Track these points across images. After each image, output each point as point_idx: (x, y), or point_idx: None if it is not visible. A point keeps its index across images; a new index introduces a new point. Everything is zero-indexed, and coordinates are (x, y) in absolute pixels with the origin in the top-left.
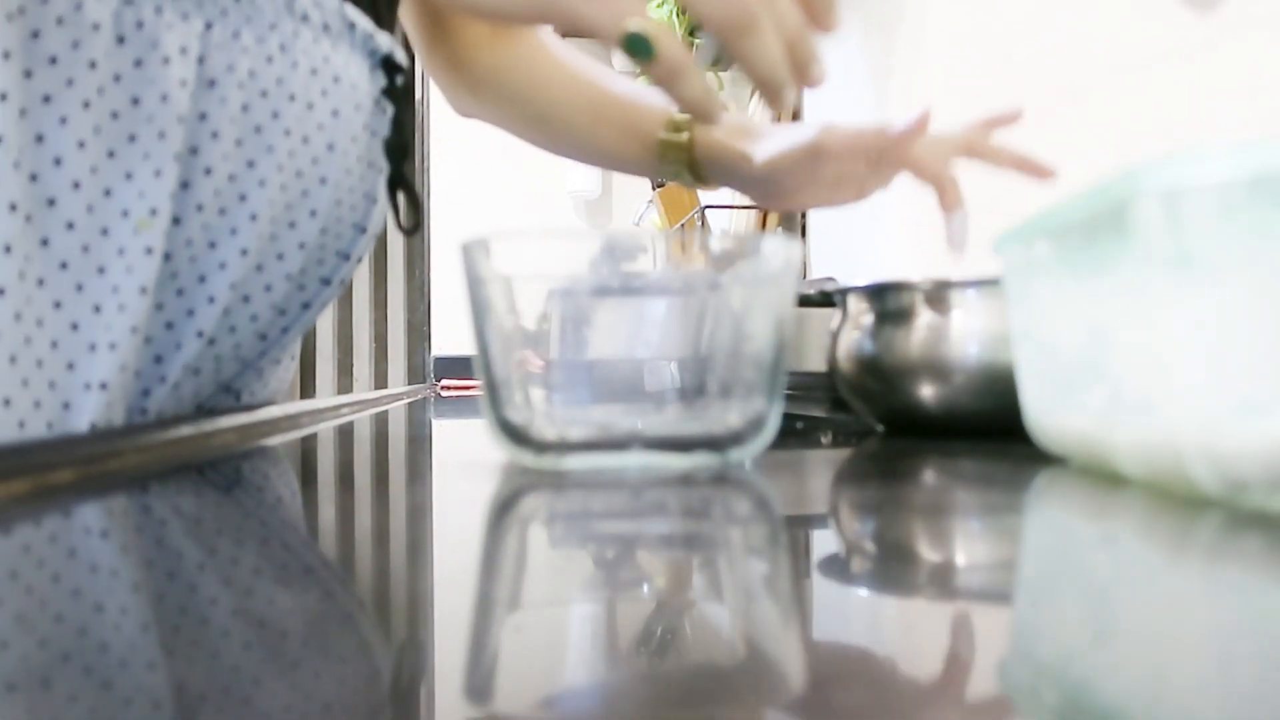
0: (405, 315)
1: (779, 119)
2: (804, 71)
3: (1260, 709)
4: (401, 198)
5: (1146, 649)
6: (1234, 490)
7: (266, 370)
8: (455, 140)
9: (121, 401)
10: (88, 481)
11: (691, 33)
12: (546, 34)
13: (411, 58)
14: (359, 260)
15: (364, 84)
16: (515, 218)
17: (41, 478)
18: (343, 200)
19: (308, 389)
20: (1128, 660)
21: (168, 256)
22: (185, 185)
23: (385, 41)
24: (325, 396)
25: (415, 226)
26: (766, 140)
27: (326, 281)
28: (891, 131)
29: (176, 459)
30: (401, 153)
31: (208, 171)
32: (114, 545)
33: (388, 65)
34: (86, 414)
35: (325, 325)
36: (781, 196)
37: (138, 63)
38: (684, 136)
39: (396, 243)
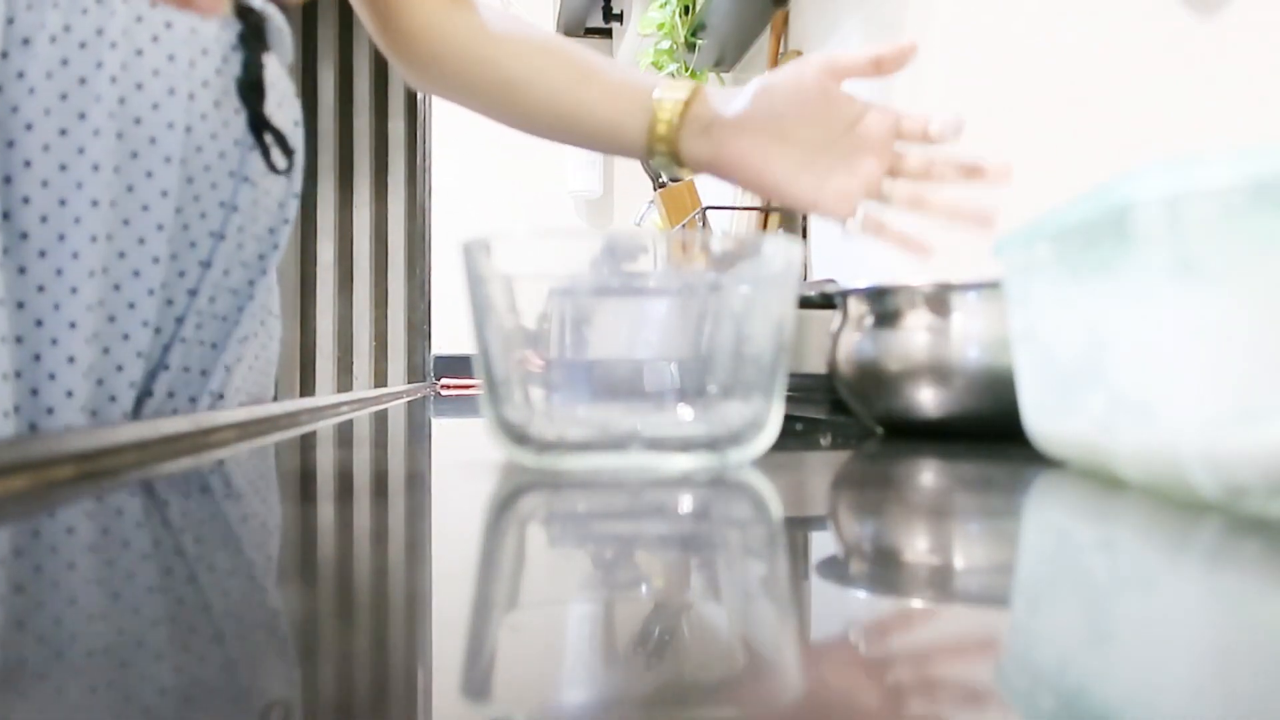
0: (405, 314)
1: None
2: None
3: (1258, 713)
4: (270, 139)
5: (1144, 653)
6: (1233, 495)
7: (229, 349)
8: (455, 140)
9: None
10: (87, 478)
11: (694, 33)
12: (524, 25)
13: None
14: (287, 222)
15: (209, 28)
16: (515, 218)
17: (41, 474)
18: (204, 147)
19: (308, 387)
20: (1125, 665)
21: (6, 216)
22: (10, 144)
23: None
24: (325, 394)
25: (288, 168)
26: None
27: (220, 236)
28: (860, 59)
29: (175, 456)
30: (255, 92)
31: (29, 127)
32: (112, 542)
33: (241, 10)
34: None
35: (326, 324)
36: (755, 151)
37: None
38: (683, 93)
39: (397, 242)
